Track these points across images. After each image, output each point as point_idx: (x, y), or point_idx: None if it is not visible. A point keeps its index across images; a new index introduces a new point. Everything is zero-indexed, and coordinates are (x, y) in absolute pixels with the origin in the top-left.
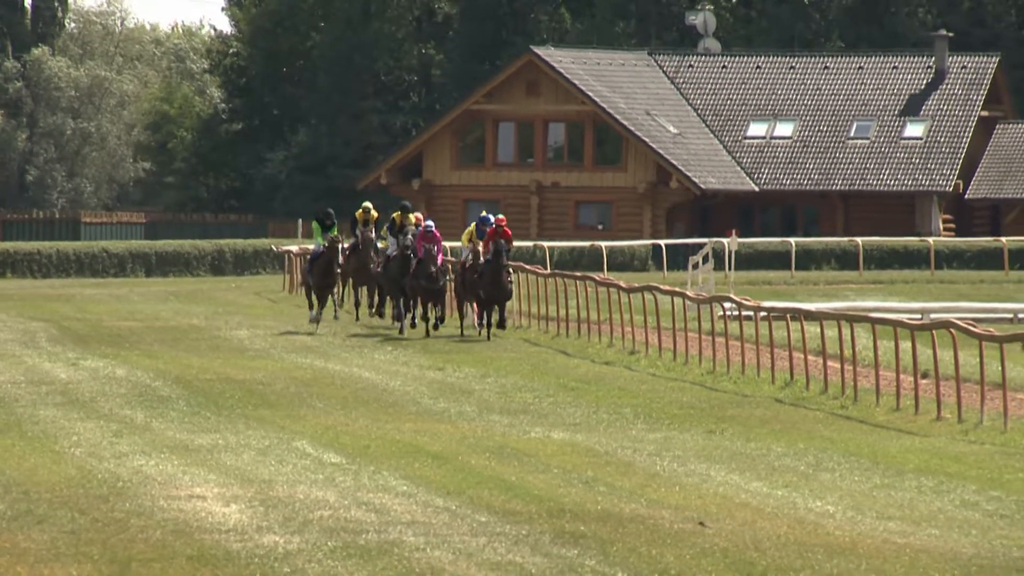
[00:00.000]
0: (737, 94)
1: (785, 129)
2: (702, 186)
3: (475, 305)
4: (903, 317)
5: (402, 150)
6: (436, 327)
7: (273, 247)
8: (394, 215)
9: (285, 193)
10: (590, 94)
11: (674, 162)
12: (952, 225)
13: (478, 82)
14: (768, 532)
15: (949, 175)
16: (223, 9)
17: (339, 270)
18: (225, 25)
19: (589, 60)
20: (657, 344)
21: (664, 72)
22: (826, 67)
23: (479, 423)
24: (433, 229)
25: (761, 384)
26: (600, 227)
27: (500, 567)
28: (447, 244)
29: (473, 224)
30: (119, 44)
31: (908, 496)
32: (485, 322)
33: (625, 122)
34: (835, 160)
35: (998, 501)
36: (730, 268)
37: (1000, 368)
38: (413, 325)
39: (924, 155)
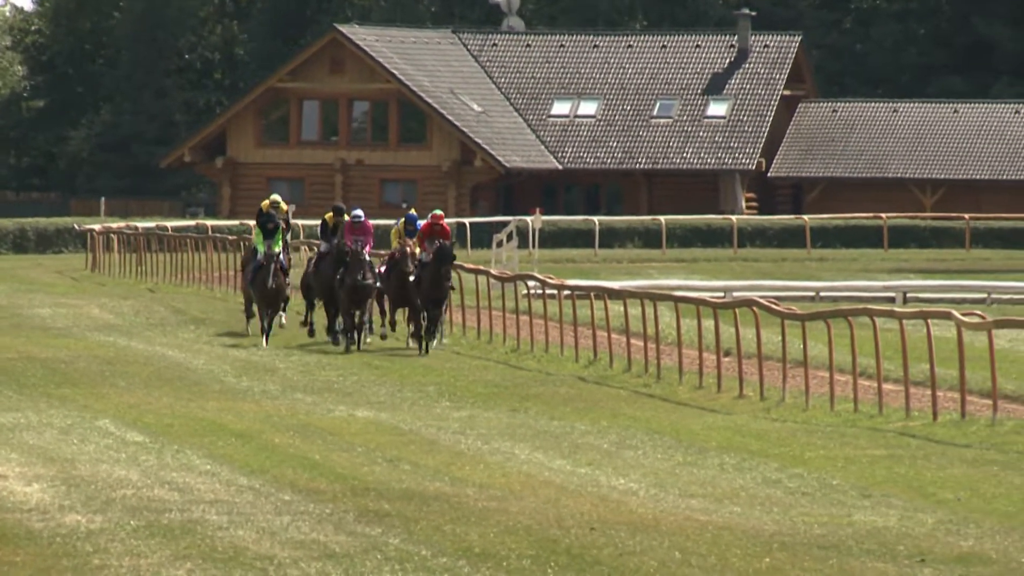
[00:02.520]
0: (541, 72)
1: (589, 108)
2: (506, 164)
3: (398, 311)
4: (706, 295)
5: (205, 128)
6: (356, 338)
7: (76, 226)
8: (326, 216)
9: (88, 171)
10: (395, 72)
11: (478, 140)
12: (755, 203)
13: (282, 60)
14: (571, 510)
15: (752, 154)
16: None
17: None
18: (27, 3)
19: (394, 38)
20: (461, 323)
21: (468, 50)
22: (630, 46)
23: (283, 401)
24: (363, 219)
25: (565, 362)
26: (404, 205)
27: (304, 546)
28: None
29: (401, 221)
30: None
31: (711, 474)
32: (417, 332)
33: (429, 100)
34: (639, 139)
35: (800, 479)
36: (534, 246)
37: (802, 346)
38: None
39: (727, 134)
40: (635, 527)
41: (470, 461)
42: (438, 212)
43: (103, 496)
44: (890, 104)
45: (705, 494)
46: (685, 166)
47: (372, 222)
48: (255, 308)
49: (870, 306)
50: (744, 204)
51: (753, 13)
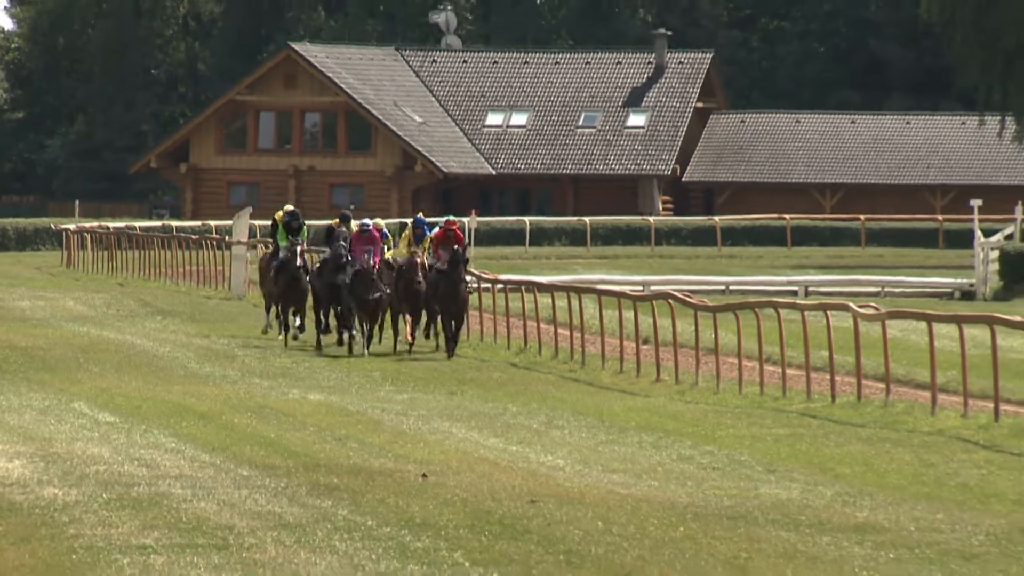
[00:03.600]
0: (476, 86)
1: (520, 119)
2: (444, 170)
3: (408, 318)
4: (626, 289)
5: (171, 137)
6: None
7: (52, 226)
8: (332, 223)
9: (64, 176)
10: (343, 86)
11: (419, 148)
12: (670, 206)
13: (240, 75)
14: (504, 483)
15: (668, 160)
16: (5, 8)
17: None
18: (7, 23)
19: (342, 55)
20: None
21: (410, 66)
22: (557, 62)
23: (241, 385)
24: (371, 228)
25: (498, 350)
26: (352, 208)
27: (260, 516)
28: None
29: (409, 225)
30: None
31: (630, 451)
32: (441, 335)
33: (374, 112)
34: (565, 147)
35: (711, 455)
36: (470, 244)
37: (713, 335)
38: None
39: (645, 142)
40: (562, 499)
41: (411, 439)
42: (452, 218)
43: (78, 471)
44: (793, 115)
45: (625, 469)
46: (607, 172)
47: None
48: (276, 308)
49: (775, 299)
50: (661, 206)
51: (669, 32)
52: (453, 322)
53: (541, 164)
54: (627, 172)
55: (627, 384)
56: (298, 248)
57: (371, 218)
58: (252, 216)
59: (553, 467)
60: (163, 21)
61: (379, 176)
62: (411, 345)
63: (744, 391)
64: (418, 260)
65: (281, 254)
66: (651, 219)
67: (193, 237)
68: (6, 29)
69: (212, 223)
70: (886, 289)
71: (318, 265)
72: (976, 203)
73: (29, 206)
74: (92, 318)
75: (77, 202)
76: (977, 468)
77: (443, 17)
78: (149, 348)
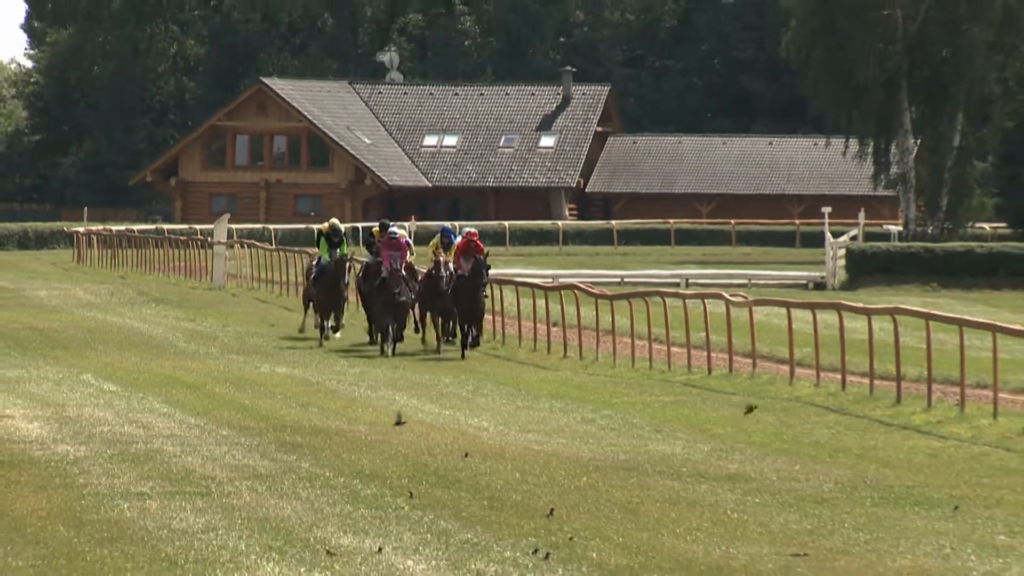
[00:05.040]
0: (415, 114)
1: (451, 140)
2: (389, 183)
3: (433, 319)
4: (539, 281)
5: (163, 156)
6: (395, 344)
7: (65, 228)
8: (372, 229)
9: (74, 188)
10: (305, 114)
11: (368, 165)
12: (575, 212)
13: (221, 105)
14: (439, 441)
15: (573, 175)
16: (25, 51)
17: (346, 288)
18: (27, 62)
19: (304, 88)
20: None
21: (360, 97)
22: (482, 94)
23: (222, 361)
24: (398, 235)
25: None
26: (312, 214)
27: (237, 468)
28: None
29: (438, 235)
30: None
31: (543, 415)
32: (458, 340)
33: (331, 135)
34: (489, 164)
35: (609, 418)
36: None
37: (611, 319)
38: (375, 341)
39: (554, 160)
40: (486, 454)
41: (362, 405)
42: (472, 230)
43: (86, 431)
44: (676, 138)
45: (539, 430)
46: (523, 184)
47: (288, 225)
48: (313, 313)
49: (661, 289)
50: (567, 213)
51: (574, 69)
52: (472, 326)
53: (468, 178)
54: (539, 184)
55: (540, 360)
56: (347, 264)
57: (399, 227)
58: (229, 221)
59: (479, 428)
60: (156, 60)
61: (335, 188)
62: (439, 344)
63: (636, 365)
64: (444, 262)
65: (322, 262)
66: (559, 223)
67: (181, 238)
68: (26, 67)
69: (197, 227)
70: (752, 281)
71: (361, 273)
72: (826, 210)
73: (45, 213)
74: (98, 305)
75: (86, 209)
76: (827, 428)
77: (388, 57)
78: (145, 330)
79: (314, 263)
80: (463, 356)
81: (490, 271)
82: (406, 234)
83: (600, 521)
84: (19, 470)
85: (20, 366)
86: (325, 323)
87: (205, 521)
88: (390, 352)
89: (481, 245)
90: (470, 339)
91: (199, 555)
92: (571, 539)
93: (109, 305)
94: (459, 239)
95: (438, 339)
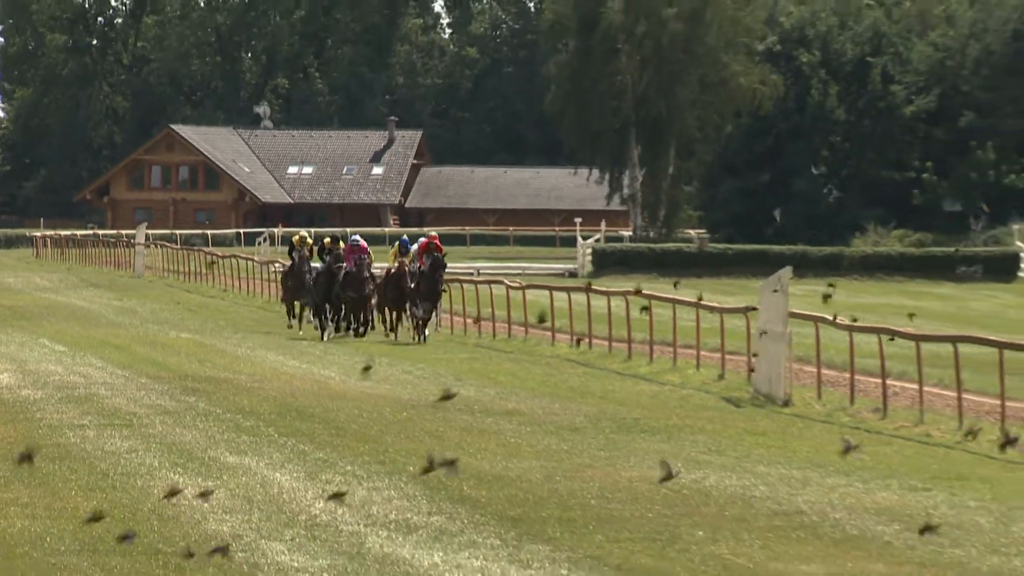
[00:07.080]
0: (282, 150)
1: (308, 169)
2: (263, 200)
3: (390, 311)
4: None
5: (98, 180)
6: (362, 334)
7: (27, 233)
8: (324, 240)
9: (34, 204)
10: (202, 151)
11: (248, 187)
12: (398, 221)
13: (141, 143)
14: (300, 387)
15: (396, 195)
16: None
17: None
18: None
19: (202, 132)
20: (239, 286)
21: (242, 139)
22: (330, 136)
23: (141, 329)
24: (360, 242)
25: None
26: (208, 223)
27: (152, 407)
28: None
29: (396, 244)
30: None
31: (377, 368)
32: (420, 325)
33: (221, 166)
34: (335, 187)
35: (423, 370)
36: (279, 245)
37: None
38: (337, 330)
39: (383, 184)
40: (333, 396)
41: (244, 361)
42: (433, 233)
43: (42, 380)
44: (471, 168)
45: (372, 378)
46: (360, 201)
47: (189, 231)
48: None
49: (460, 278)
50: (392, 222)
51: (396, 119)
52: (425, 311)
53: (321, 197)
54: (372, 202)
55: (378, 335)
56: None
57: (360, 235)
58: (147, 228)
59: (328, 377)
60: (94, 112)
61: (224, 204)
62: (396, 334)
63: (452, 334)
64: (406, 270)
65: (319, 267)
66: (386, 230)
67: (112, 240)
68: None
69: (123, 232)
70: (525, 271)
71: (315, 275)
72: (578, 220)
73: (12, 223)
74: (51, 288)
75: (42, 220)
76: (579, 377)
77: (262, 109)
78: (85, 307)
79: (302, 270)
80: (423, 340)
81: (445, 268)
82: (365, 242)
83: (415, 444)
84: None
85: None
86: (322, 321)
87: (129, 445)
88: (326, 337)
89: (440, 246)
90: (430, 324)
91: (125, 469)
92: (394, 458)
93: (59, 289)
94: (422, 240)
95: (393, 328)
